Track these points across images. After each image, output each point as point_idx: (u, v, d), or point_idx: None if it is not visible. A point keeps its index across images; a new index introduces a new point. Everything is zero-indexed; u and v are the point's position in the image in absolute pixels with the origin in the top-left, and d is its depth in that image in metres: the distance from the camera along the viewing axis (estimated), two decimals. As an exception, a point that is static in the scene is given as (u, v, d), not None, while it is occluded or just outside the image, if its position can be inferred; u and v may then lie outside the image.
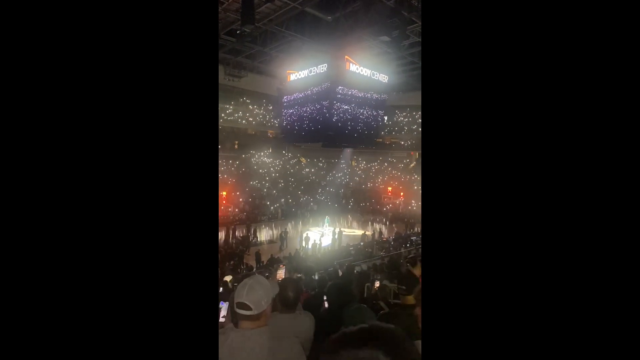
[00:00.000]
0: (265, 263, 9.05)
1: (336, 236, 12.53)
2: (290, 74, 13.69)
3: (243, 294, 1.10)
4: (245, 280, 1.22)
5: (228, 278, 4.49)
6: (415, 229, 14.21)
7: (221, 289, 3.98)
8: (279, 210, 16.35)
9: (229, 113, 18.48)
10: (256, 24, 9.80)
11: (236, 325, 1.16)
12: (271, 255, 9.52)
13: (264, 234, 13.78)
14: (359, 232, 14.03)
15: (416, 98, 18.91)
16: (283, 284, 1.64)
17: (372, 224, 15.59)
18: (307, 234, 12.65)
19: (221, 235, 11.68)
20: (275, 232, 13.82)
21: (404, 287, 1.82)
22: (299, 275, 4.18)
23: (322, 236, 12.64)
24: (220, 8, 9.80)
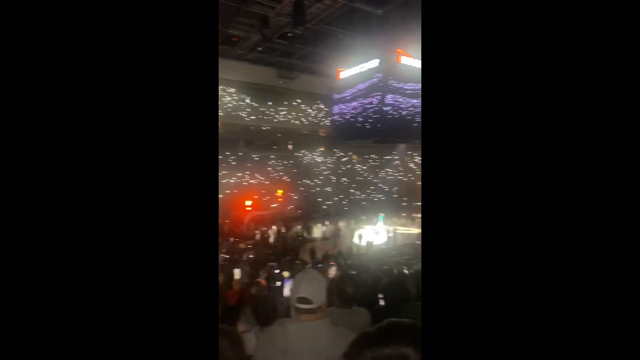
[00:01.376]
0: (319, 259, 9.23)
1: (391, 234, 12.27)
2: (340, 71, 13.70)
3: (302, 288, 1.16)
4: (301, 274, 1.29)
5: (286, 273, 4.69)
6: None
7: (279, 282, 4.17)
8: (332, 208, 16.51)
9: (282, 115, 19.12)
10: (307, 25, 9.98)
11: (293, 317, 1.23)
12: (325, 251, 9.67)
13: (317, 231, 14.03)
14: (415, 230, 13.55)
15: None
16: (341, 279, 1.68)
17: (428, 222, 14.91)
18: (360, 231, 12.59)
19: (277, 231, 12.17)
20: (328, 229, 13.99)
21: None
22: (353, 272, 4.20)
23: (376, 234, 12.48)
24: (272, 13, 10.17)
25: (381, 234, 12.65)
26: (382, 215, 14.66)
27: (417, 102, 12.44)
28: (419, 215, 15.92)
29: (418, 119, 12.46)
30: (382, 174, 19.60)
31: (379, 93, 11.59)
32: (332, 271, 4.48)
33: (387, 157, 19.95)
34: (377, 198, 17.76)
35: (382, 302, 1.94)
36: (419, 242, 10.85)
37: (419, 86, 12.32)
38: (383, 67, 11.39)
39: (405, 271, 4.61)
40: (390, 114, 11.79)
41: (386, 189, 18.53)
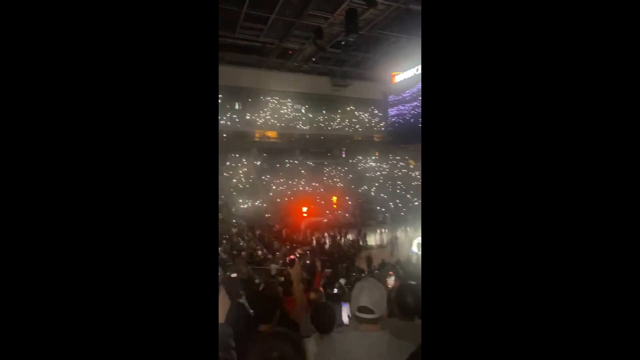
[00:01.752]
0: (376, 267, 9.02)
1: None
2: (395, 75, 13.42)
3: (363, 298, 1.13)
4: (361, 283, 1.25)
5: (342, 281, 4.66)
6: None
7: (336, 289, 4.16)
8: (388, 215, 16.09)
9: (337, 122, 19.31)
10: (360, 32, 10.01)
11: (353, 327, 1.20)
12: (382, 259, 9.43)
13: (373, 239, 13.76)
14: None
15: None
16: (401, 290, 1.60)
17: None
18: (419, 240, 12.04)
19: (333, 238, 12.21)
20: (384, 236, 13.64)
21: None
22: (412, 282, 4.02)
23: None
24: (326, 23, 10.39)
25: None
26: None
27: None
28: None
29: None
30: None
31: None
32: (391, 281, 4.33)
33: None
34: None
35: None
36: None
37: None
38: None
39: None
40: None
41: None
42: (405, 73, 12.79)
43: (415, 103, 12.42)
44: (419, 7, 9.63)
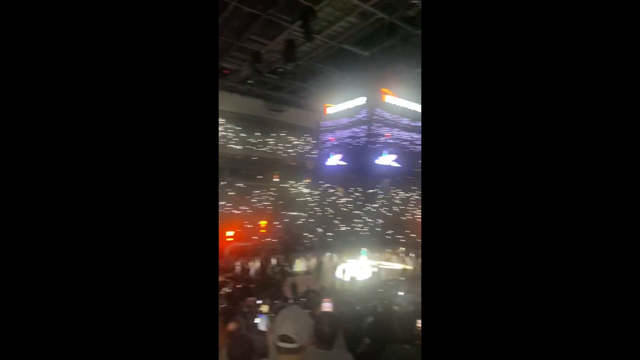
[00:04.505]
0: (301, 295, 8.90)
1: (375, 269, 12.06)
2: (327, 107, 14.14)
3: (285, 327, 1.08)
4: (284, 311, 1.20)
5: (265, 308, 4.46)
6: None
7: (258, 319, 3.94)
8: (316, 241, 16.25)
9: (270, 146, 19.29)
10: (297, 62, 10.39)
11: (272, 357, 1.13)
12: (307, 286, 9.35)
13: (299, 265, 13.65)
14: (399, 265, 13.39)
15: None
16: (320, 317, 1.58)
17: (412, 258, 14.85)
18: (344, 266, 12.33)
19: (258, 263, 11.75)
20: (311, 262, 13.65)
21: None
22: (329, 310, 4.04)
23: (359, 269, 12.24)
24: (264, 49, 10.56)
25: (365, 269, 12.41)
26: (364, 249, 14.49)
27: (407, 135, 12.88)
28: (403, 249, 15.84)
29: (401, 153, 12.81)
30: (366, 208, 19.67)
31: (365, 127, 11.97)
32: (323, 307, 4.29)
33: (371, 191, 20.15)
34: (361, 231, 17.66)
35: (367, 341, 1.84)
36: (403, 278, 10.68)
37: (404, 121, 12.86)
38: (369, 104, 11.86)
39: (396, 307, 4.47)
40: (375, 147, 12.10)
41: (370, 222, 18.52)
42: (337, 106, 13.59)
43: (340, 138, 13.22)
44: (351, 48, 10.46)
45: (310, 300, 7.03)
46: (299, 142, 20.37)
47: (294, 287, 9.80)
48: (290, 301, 7.11)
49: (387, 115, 12.46)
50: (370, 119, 11.92)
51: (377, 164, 12.58)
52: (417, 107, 13.11)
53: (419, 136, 13.79)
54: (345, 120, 13.13)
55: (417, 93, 13.38)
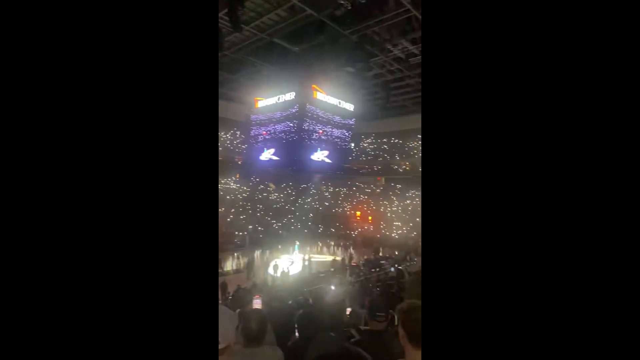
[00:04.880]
0: (231, 293, 8.61)
1: (306, 263, 12.29)
2: (258, 100, 13.83)
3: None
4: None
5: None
6: (382, 253, 14.31)
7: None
8: (247, 238, 15.86)
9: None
10: (225, 52, 9.91)
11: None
12: (238, 285, 9.09)
13: (230, 263, 13.19)
14: (329, 257, 13.87)
15: (380, 126, 19.77)
16: (246, 315, 1.55)
17: (342, 249, 15.53)
18: (275, 261, 12.30)
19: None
20: (242, 260, 13.30)
21: (381, 314, 1.80)
22: (257, 307, 4.01)
23: (291, 264, 12.34)
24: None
25: (296, 263, 12.57)
26: (297, 243, 14.67)
27: (331, 133, 13.27)
28: (333, 243, 16.45)
29: (332, 149, 13.24)
30: (298, 203, 19.87)
31: (296, 123, 12.04)
32: (255, 306, 4.20)
33: (304, 186, 20.43)
34: (293, 226, 17.79)
35: (296, 335, 1.86)
36: (333, 269, 11.11)
37: (335, 118, 13.26)
38: (300, 101, 11.95)
39: (326, 298, 4.60)
40: (306, 144, 12.27)
41: (302, 217, 18.77)
42: (267, 100, 13.38)
43: (271, 132, 13.10)
44: (281, 42, 10.38)
45: (239, 298, 6.84)
46: (227, 137, 19.54)
47: (224, 286, 9.43)
48: (220, 302, 6.83)
49: (320, 112, 12.70)
50: (302, 114, 12.02)
51: (312, 160, 12.78)
52: (348, 106, 13.65)
53: (349, 133, 14.39)
54: (278, 114, 13.01)
55: (348, 92, 13.93)
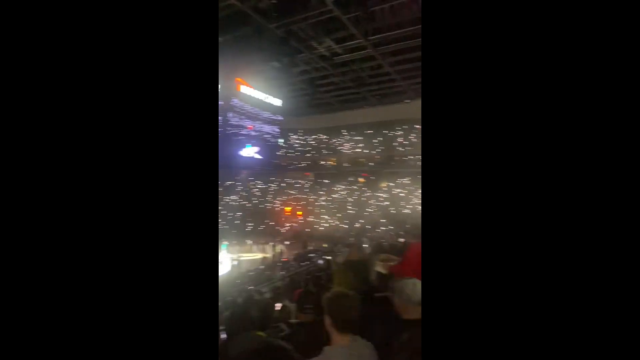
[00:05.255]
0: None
1: (235, 262, 11.91)
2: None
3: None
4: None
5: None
6: (310, 247, 14.67)
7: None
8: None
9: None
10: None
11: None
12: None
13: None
14: (259, 255, 13.67)
15: (308, 122, 20.09)
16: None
17: (272, 246, 15.43)
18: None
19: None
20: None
21: (309, 305, 1.84)
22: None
23: (219, 264, 11.82)
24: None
25: (225, 263, 12.08)
26: (225, 243, 14.09)
27: (268, 128, 12.97)
28: (263, 241, 16.24)
29: (260, 146, 12.96)
30: (224, 201, 19.07)
31: (221, 116, 11.45)
32: None
33: (230, 183, 19.68)
34: (220, 225, 17.04)
35: (223, 336, 1.81)
36: (263, 267, 10.99)
37: (262, 114, 12.96)
38: (223, 94, 11.39)
39: (255, 296, 4.52)
40: (232, 140, 11.80)
41: (230, 215, 18.09)
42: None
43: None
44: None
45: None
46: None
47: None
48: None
49: (248, 107, 12.26)
50: (226, 108, 11.48)
51: (240, 156, 12.30)
52: (275, 101, 13.47)
53: (279, 129, 14.25)
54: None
55: (275, 86, 13.74)
